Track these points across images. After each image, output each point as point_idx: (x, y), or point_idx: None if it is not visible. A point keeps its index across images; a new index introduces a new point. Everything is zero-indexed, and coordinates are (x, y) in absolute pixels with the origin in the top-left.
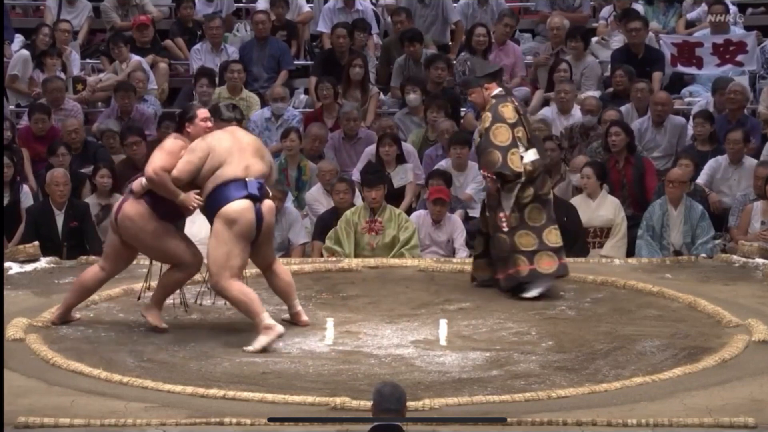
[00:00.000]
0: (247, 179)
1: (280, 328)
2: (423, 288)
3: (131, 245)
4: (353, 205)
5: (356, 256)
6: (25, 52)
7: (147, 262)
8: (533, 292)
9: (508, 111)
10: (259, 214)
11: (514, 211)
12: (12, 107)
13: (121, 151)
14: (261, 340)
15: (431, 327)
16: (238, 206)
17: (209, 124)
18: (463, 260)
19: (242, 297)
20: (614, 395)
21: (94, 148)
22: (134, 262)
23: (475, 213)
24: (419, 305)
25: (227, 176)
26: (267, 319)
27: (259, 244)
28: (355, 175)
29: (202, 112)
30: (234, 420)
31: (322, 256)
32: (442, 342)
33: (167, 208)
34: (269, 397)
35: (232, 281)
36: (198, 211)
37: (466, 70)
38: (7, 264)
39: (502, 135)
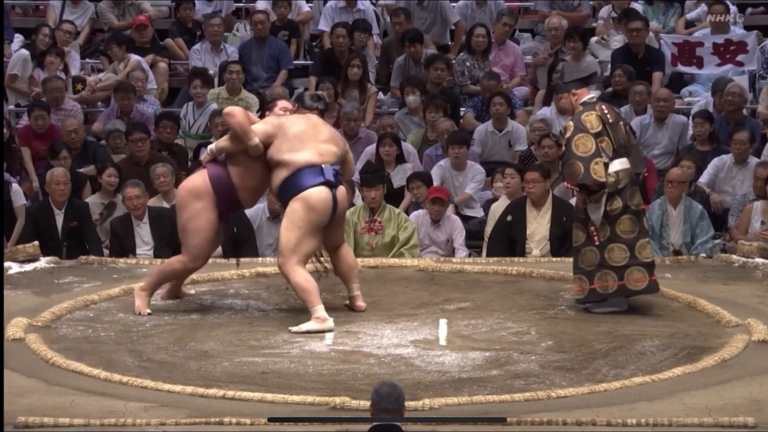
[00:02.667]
0: (323, 165)
1: (330, 323)
2: (422, 288)
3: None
4: (353, 204)
5: (356, 255)
6: (25, 52)
7: (148, 262)
8: (604, 309)
9: (591, 120)
10: (334, 200)
11: (603, 224)
12: (12, 107)
13: (125, 151)
14: (310, 325)
15: (431, 327)
16: (319, 193)
17: (288, 114)
18: (462, 260)
19: (305, 284)
20: (614, 395)
21: (93, 148)
22: (135, 262)
23: (474, 212)
24: (419, 305)
25: (303, 162)
26: (321, 311)
27: (331, 227)
28: (355, 175)
29: (283, 103)
30: (234, 420)
31: (321, 256)
32: (442, 342)
33: (228, 196)
34: (269, 396)
35: (298, 267)
36: None
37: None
38: (6, 264)
39: (584, 145)
